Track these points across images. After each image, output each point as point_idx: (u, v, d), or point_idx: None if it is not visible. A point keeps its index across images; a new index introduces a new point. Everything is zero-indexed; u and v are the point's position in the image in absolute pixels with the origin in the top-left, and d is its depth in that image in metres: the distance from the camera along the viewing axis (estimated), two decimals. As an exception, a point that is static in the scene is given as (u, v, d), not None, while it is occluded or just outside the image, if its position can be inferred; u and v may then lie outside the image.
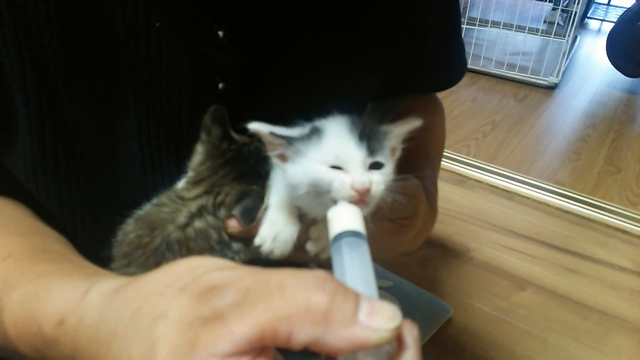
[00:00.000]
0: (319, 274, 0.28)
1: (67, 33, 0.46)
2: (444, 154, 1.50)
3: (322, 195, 0.41)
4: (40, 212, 0.53)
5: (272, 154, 0.44)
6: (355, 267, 0.32)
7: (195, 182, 0.50)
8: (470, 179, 1.68)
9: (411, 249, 0.59)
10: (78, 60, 0.47)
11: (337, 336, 0.26)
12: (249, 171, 0.50)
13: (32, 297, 0.39)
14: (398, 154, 0.46)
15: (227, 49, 0.52)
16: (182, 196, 0.50)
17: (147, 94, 0.50)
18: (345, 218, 0.37)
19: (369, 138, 0.41)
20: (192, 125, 0.53)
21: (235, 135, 0.52)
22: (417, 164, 0.67)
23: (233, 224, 0.49)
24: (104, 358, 0.31)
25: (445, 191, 1.59)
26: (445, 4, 0.71)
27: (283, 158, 0.44)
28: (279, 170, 0.49)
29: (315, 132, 0.42)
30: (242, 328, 0.26)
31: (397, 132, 0.45)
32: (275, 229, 0.47)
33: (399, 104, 0.77)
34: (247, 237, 0.48)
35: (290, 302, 0.26)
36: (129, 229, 0.49)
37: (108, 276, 0.38)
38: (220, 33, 0.51)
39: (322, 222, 0.47)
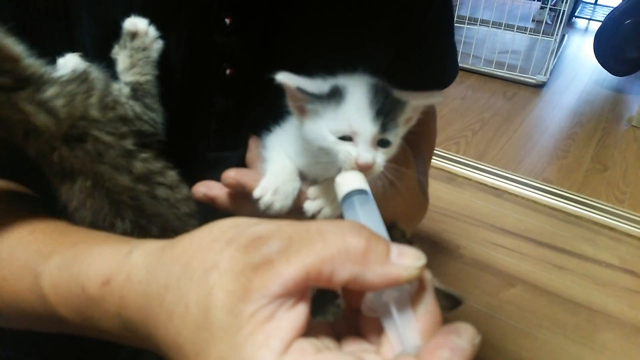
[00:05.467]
0: (352, 222, 0.32)
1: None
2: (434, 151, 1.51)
3: (329, 157, 0.43)
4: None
5: (293, 105, 0.45)
6: (369, 219, 0.36)
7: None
8: (459, 176, 1.69)
9: (405, 226, 0.59)
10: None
11: (374, 273, 0.29)
12: None
13: (71, 262, 0.40)
14: (413, 122, 0.47)
15: (234, 35, 0.53)
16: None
17: (155, 78, 0.51)
18: (354, 179, 0.40)
19: (386, 113, 0.42)
20: (200, 110, 0.53)
21: None
22: (408, 156, 0.68)
23: (233, 174, 0.48)
24: (156, 310, 0.32)
25: (435, 189, 1.59)
26: (440, 4, 0.71)
27: (302, 111, 0.44)
28: (290, 124, 0.49)
29: (336, 94, 0.43)
30: (290, 271, 0.28)
31: (414, 105, 0.45)
32: (277, 181, 0.47)
33: None
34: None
35: (331, 245, 0.29)
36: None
37: (145, 240, 0.39)
38: (228, 20, 0.51)
39: (322, 184, 0.48)
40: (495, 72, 2.58)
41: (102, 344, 0.41)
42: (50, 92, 0.42)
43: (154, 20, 0.49)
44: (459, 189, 1.62)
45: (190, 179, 0.53)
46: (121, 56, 0.48)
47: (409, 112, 0.45)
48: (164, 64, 0.51)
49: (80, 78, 0.44)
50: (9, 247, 0.44)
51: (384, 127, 0.42)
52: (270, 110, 0.50)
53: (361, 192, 0.39)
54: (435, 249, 1.33)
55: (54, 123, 0.42)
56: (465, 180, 1.67)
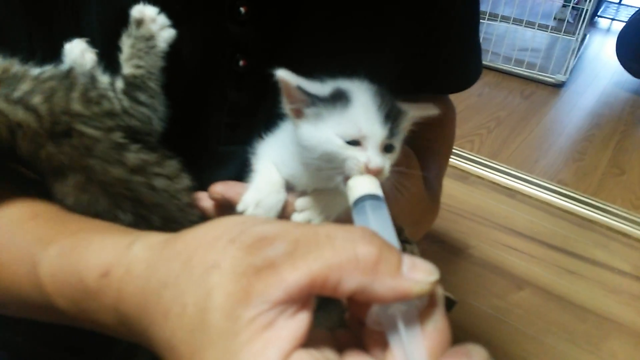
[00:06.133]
0: (364, 228, 0.30)
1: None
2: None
3: (331, 165, 0.41)
4: None
5: (288, 106, 0.43)
6: (380, 226, 0.34)
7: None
8: (472, 175, 1.67)
9: (410, 231, 0.58)
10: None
11: (384, 285, 0.28)
12: None
13: (70, 251, 0.39)
14: (406, 131, 0.46)
15: (249, 25, 0.52)
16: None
17: (167, 72, 0.50)
18: (367, 184, 0.39)
19: (393, 118, 0.42)
20: (211, 102, 0.52)
21: None
22: (423, 160, 0.66)
23: (218, 189, 0.48)
24: (153, 307, 0.31)
25: (447, 186, 1.56)
26: (466, 1, 0.69)
27: (298, 114, 0.43)
28: (282, 131, 0.48)
29: (340, 97, 0.42)
30: (294, 276, 0.27)
31: (412, 115, 0.45)
32: (260, 194, 0.46)
33: (409, 101, 0.76)
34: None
35: (340, 252, 0.28)
36: None
37: (148, 232, 0.38)
38: (243, 9, 0.50)
39: (311, 195, 0.47)
40: (513, 70, 2.54)
41: (101, 335, 0.40)
42: (24, 88, 0.42)
43: (164, 8, 0.47)
44: (472, 187, 1.60)
45: (200, 173, 0.52)
46: (125, 45, 0.47)
47: (408, 121, 0.45)
48: (175, 54, 0.50)
49: (62, 74, 0.44)
50: (9, 232, 0.43)
51: (391, 132, 0.41)
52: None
53: (374, 197, 0.37)
54: (444, 247, 1.31)
55: (34, 119, 0.41)
56: (478, 179, 1.65)
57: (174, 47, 0.49)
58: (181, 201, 0.49)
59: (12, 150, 0.42)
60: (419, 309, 0.29)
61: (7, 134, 0.41)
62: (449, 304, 0.58)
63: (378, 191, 0.38)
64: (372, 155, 0.40)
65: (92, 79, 0.46)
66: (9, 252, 0.42)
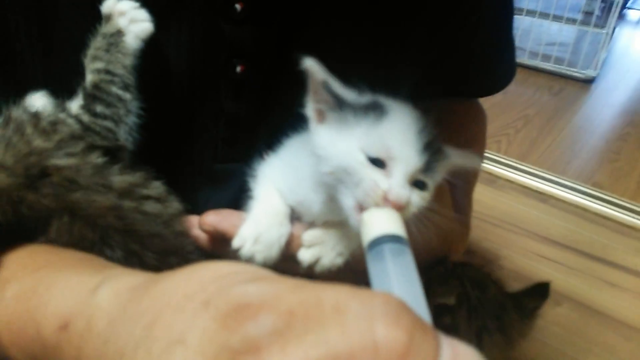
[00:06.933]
0: (387, 297, 0.21)
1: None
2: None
3: (343, 184, 0.34)
4: None
5: (311, 105, 0.36)
6: (403, 280, 0.26)
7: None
8: (500, 178, 1.58)
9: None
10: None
11: None
12: None
13: (30, 293, 0.34)
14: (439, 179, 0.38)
15: (246, 25, 0.46)
16: None
17: (154, 79, 0.44)
18: (386, 220, 0.30)
19: (432, 151, 0.34)
20: (206, 114, 0.46)
21: None
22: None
23: (210, 220, 0.42)
24: None
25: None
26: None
27: (320, 116, 0.36)
28: (287, 150, 0.42)
29: (375, 109, 0.35)
30: None
31: (453, 162, 0.38)
32: (259, 227, 0.39)
33: (436, 107, 0.68)
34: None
35: (352, 335, 0.20)
36: None
37: (120, 271, 0.33)
38: (238, 6, 0.44)
39: (320, 227, 0.40)
40: (540, 65, 2.45)
41: None
42: None
43: (147, 8, 0.41)
44: (500, 192, 1.51)
45: (193, 195, 0.46)
46: (89, 48, 0.41)
47: (447, 166, 0.38)
48: (162, 59, 0.44)
49: (4, 121, 0.39)
50: None
51: (427, 166, 0.34)
52: (287, 115, 0.42)
53: (395, 239, 0.29)
54: (473, 258, 1.22)
55: (5, 176, 0.37)
56: (507, 182, 1.56)
57: (161, 52, 0.43)
58: (175, 229, 0.43)
59: None
60: None
61: None
62: (544, 290, 0.52)
63: (400, 231, 0.30)
64: (395, 184, 0.32)
65: (34, 113, 0.40)
66: None
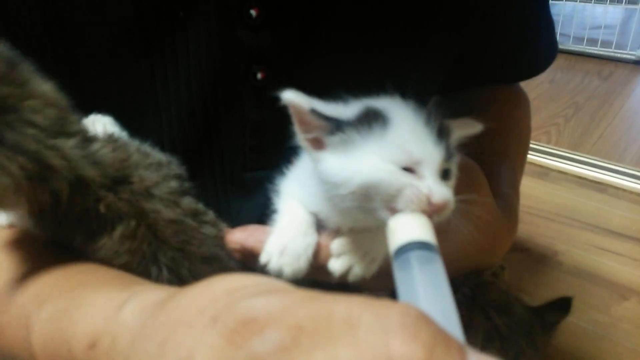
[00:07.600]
0: (405, 308, 0.20)
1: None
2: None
3: (371, 202, 0.32)
4: None
5: (304, 137, 0.35)
6: (431, 291, 0.25)
7: None
8: (552, 170, 1.52)
9: (482, 264, 0.51)
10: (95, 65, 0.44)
11: None
12: None
13: (62, 314, 0.35)
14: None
15: (264, 31, 0.45)
16: None
17: (175, 91, 0.45)
18: (414, 226, 0.29)
19: (445, 136, 0.33)
20: (231, 123, 0.46)
21: None
22: (493, 165, 0.56)
23: (237, 237, 0.42)
24: None
25: (525, 185, 1.42)
26: None
27: (318, 144, 0.35)
28: (303, 162, 0.40)
29: (375, 118, 0.34)
30: None
31: (457, 134, 0.37)
32: (284, 239, 0.38)
33: (472, 97, 0.65)
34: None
35: (364, 350, 0.18)
36: None
37: (147, 286, 0.34)
38: (254, 12, 0.44)
39: (349, 234, 0.39)
40: (587, 50, 2.37)
41: None
42: (95, 145, 0.41)
43: (166, 18, 0.41)
44: (553, 184, 1.45)
45: (225, 205, 0.46)
46: None
47: (454, 141, 0.37)
48: (184, 69, 0.44)
49: (112, 138, 0.43)
50: (11, 288, 0.39)
51: (448, 152, 0.33)
52: None
53: (423, 245, 0.28)
54: (529, 255, 1.18)
55: (100, 173, 0.39)
56: (560, 174, 1.50)
57: (182, 62, 0.43)
58: (229, 251, 0.44)
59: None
60: None
61: (67, 192, 0.38)
62: (565, 305, 0.51)
63: (429, 237, 0.28)
64: (433, 186, 0.31)
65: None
66: (8, 312, 0.38)
